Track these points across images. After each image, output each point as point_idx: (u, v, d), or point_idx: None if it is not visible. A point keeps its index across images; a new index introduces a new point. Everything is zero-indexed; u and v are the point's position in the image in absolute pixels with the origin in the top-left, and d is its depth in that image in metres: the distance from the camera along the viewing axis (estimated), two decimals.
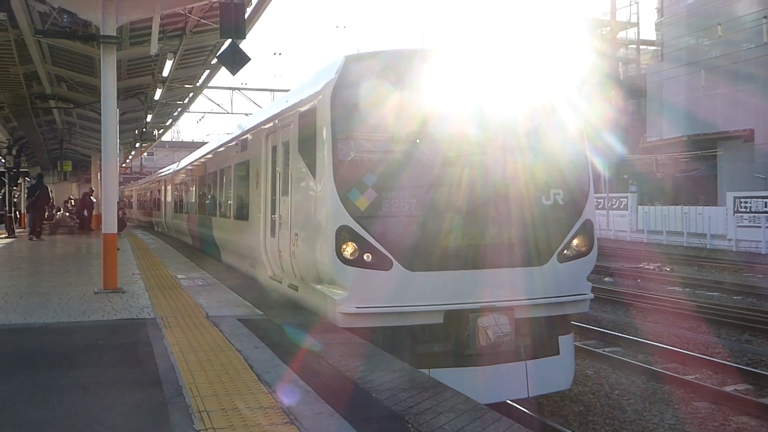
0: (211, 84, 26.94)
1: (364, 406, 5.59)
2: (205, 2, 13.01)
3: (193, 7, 13.84)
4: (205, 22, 15.14)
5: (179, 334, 8.41)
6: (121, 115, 17.21)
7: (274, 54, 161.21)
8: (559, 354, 9.24)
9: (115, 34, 12.06)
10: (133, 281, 13.62)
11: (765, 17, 40.52)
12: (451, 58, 9.54)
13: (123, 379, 6.45)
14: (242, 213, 14.29)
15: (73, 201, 39.81)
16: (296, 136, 9.98)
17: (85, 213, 33.46)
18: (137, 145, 40.22)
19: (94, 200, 32.70)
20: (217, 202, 17.96)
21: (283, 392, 5.97)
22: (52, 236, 30.44)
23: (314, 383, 6.21)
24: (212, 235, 18.64)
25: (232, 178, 15.91)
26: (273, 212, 11.31)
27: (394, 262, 8.33)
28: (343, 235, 8.30)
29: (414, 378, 6.39)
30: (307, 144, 9.42)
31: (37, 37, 14.36)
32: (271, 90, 45.68)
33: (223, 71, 21.46)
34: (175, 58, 17.82)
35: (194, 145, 47.01)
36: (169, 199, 30.53)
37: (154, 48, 14.32)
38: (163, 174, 34.76)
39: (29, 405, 5.70)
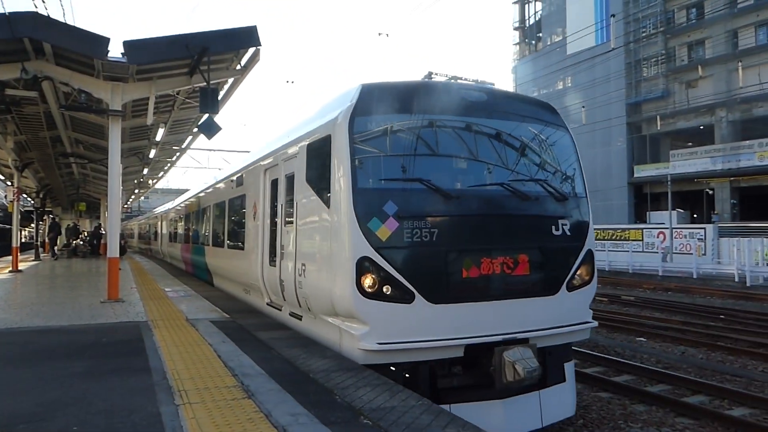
0: (193, 146, 26.52)
1: (303, 384, 5.53)
2: (189, 87, 12.91)
3: (179, 90, 13.72)
4: (189, 101, 14.97)
5: (165, 333, 8.17)
6: (123, 169, 16.87)
7: (243, 125, 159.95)
8: (565, 381, 7.33)
9: (120, 109, 11.98)
10: (130, 293, 13.19)
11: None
12: (465, 90, 7.46)
13: (121, 368, 6.21)
14: (237, 243, 11.69)
15: (86, 233, 38.66)
16: (303, 167, 7.69)
17: (95, 242, 32.80)
18: (136, 191, 39.38)
19: (103, 232, 31.82)
20: (212, 233, 15.21)
21: (243, 375, 5.86)
22: (70, 259, 29.28)
23: (267, 368, 6.12)
24: (205, 262, 15.94)
25: (226, 211, 13.25)
26: (272, 242, 8.98)
27: (417, 294, 6.24)
28: (364, 266, 6.20)
29: (341, 363, 6.36)
30: (319, 173, 7.21)
31: (61, 110, 14.12)
32: (238, 151, 45.28)
33: (203, 136, 21.21)
34: (166, 126, 17.62)
35: (180, 191, 46.07)
36: (164, 230, 27.86)
37: (150, 119, 14.12)
38: (160, 210, 33.00)
39: (48, 387, 5.46)
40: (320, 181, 7.14)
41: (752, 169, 39.27)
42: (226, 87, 14.09)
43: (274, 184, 9.15)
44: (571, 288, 7.10)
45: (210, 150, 44.78)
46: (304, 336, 7.40)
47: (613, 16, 33.17)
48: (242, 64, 12.79)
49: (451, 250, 6.48)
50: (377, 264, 6.20)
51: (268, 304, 9.55)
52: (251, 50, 12.13)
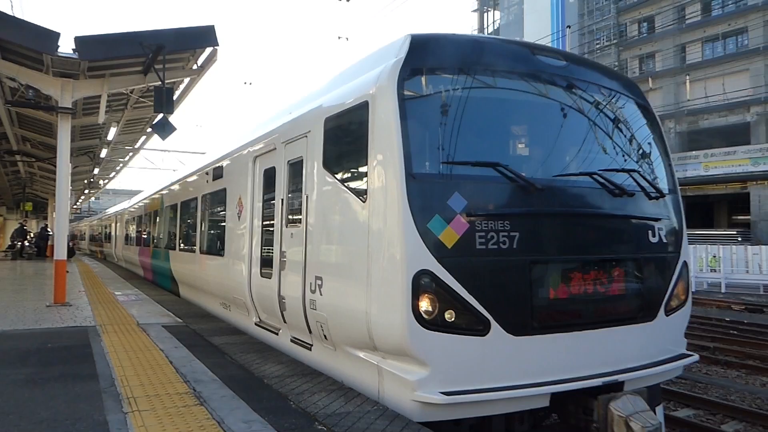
0: (147, 146, 25.96)
1: (257, 390, 5.43)
2: (143, 86, 12.63)
3: (133, 89, 13.41)
4: (143, 100, 14.66)
5: (114, 338, 7.93)
6: (73, 168, 16.38)
7: (197, 126, 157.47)
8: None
9: (70, 107, 11.64)
10: (78, 297, 12.77)
11: None
12: (544, 53, 5.60)
13: (66, 374, 5.98)
14: (214, 248, 9.95)
15: (32, 234, 37.35)
16: (318, 149, 5.92)
17: (41, 244, 31.81)
18: (86, 191, 38.35)
19: (50, 233, 30.80)
20: (178, 235, 13.10)
21: (195, 381, 5.72)
22: (14, 261, 28.21)
23: (220, 374, 5.99)
24: (168, 268, 13.92)
25: (198, 209, 11.26)
26: (266, 248, 7.35)
27: (493, 323, 4.55)
28: (423, 284, 4.45)
29: (296, 368, 6.27)
30: (346, 156, 5.60)
31: (7, 106, 13.64)
32: (193, 152, 44.53)
33: (157, 136, 20.77)
34: (118, 126, 17.27)
35: (133, 192, 44.95)
36: (119, 232, 25.50)
37: (101, 118, 13.83)
38: (115, 210, 30.90)
39: None
40: (348, 165, 5.55)
41: (698, 178, 40.76)
42: (181, 87, 13.88)
43: (269, 174, 7.41)
44: (668, 311, 5.53)
45: (164, 151, 44.09)
46: (313, 370, 6.10)
47: (569, 27, 33.99)
48: (199, 64, 12.61)
49: (537, 260, 4.82)
50: (441, 281, 4.49)
51: (257, 324, 7.85)
52: (208, 50, 11.97)
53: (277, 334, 7.24)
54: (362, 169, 5.13)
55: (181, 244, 12.80)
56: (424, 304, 4.49)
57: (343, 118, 5.65)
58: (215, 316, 10.09)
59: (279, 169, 7.08)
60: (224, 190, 9.35)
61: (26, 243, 33.30)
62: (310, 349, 6.33)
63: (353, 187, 5.31)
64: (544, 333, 4.77)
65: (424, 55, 5.06)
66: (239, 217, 8.40)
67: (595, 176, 5.26)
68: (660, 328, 5.44)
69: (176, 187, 14.08)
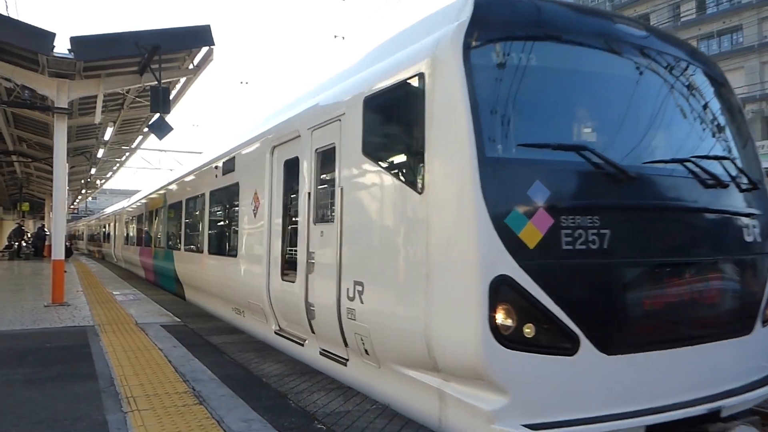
0: (143, 146, 25.91)
1: (256, 389, 5.44)
2: (139, 86, 12.61)
3: (129, 89, 13.38)
4: (139, 99, 14.63)
5: (113, 338, 7.92)
6: (70, 168, 16.35)
7: (193, 125, 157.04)
8: None
9: (66, 107, 11.62)
10: (76, 297, 12.74)
11: None
12: (625, 23, 4.82)
13: (65, 374, 5.97)
14: (225, 248, 9.29)
15: (29, 234, 37.28)
16: (356, 133, 5.14)
17: (39, 244, 31.82)
18: (83, 191, 38.27)
19: (48, 233, 30.75)
20: (185, 234, 12.25)
21: (195, 380, 5.72)
22: (12, 261, 28.14)
23: (219, 373, 6.00)
24: (172, 270, 13.09)
25: (206, 206, 10.49)
26: (288, 248, 6.70)
27: (583, 339, 3.77)
28: (502, 293, 3.68)
29: (295, 367, 6.28)
30: (393, 139, 4.81)
31: (3, 107, 13.60)
32: (191, 152, 44.36)
33: (154, 136, 20.74)
34: (114, 126, 17.24)
35: (130, 192, 44.80)
36: (119, 231, 24.57)
37: (97, 118, 13.79)
38: (114, 209, 30.06)
39: None
40: (396, 151, 4.77)
41: None
42: (178, 86, 13.85)
43: (291, 165, 6.70)
44: (765, 321, 4.68)
45: (161, 151, 43.84)
46: (348, 387, 5.47)
47: None
48: (195, 64, 12.59)
49: (631, 263, 4.03)
50: (523, 289, 3.70)
51: (277, 332, 7.16)
52: (204, 50, 11.95)
53: (302, 345, 6.45)
54: (415, 156, 4.33)
55: (187, 244, 11.99)
56: (503, 317, 3.69)
57: (388, 96, 4.81)
58: (226, 321, 9.41)
59: (304, 158, 6.32)
60: (237, 184, 8.62)
61: (23, 243, 33.24)
62: (346, 365, 5.54)
63: (404, 176, 4.47)
64: (638, 351, 3.94)
65: (492, 17, 4.21)
66: (255, 213, 7.69)
67: (688, 164, 4.44)
68: (757, 341, 4.58)
69: (181, 183, 13.25)
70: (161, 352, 7.05)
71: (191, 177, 12.25)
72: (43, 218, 39.01)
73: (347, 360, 5.55)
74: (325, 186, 5.92)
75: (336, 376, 5.75)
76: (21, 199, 33.32)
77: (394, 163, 4.74)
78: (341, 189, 5.35)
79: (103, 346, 7.39)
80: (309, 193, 6.14)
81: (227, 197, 9.29)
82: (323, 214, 5.90)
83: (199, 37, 11.22)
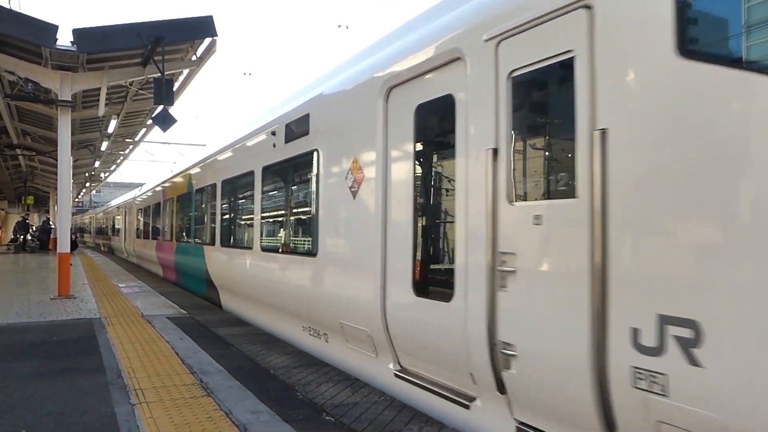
0: (147, 139, 25.88)
1: (264, 380, 5.42)
2: (143, 78, 12.55)
3: (132, 81, 13.33)
4: (142, 92, 14.57)
5: (120, 330, 7.91)
6: (74, 161, 16.33)
7: (196, 117, 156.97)
8: None
9: (70, 100, 11.57)
10: (82, 289, 12.77)
11: None
12: None
13: (72, 367, 5.96)
14: (290, 243, 7.22)
15: (34, 228, 37.39)
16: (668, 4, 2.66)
17: (44, 237, 31.76)
18: (87, 184, 38.30)
19: (53, 226, 30.83)
20: (220, 224, 10.05)
21: (202, 372, 5.70)
22: (17, 254, 28.27)
23: (226, 365, 5.98)
24: (203, 270, 11.04)
25: (255, 188, 8.18)
26: (432, 246, 4.65)
27: None
28: None
29: (302, 359, 6.25)
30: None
31: (6, 100, 13.57)
32: (195, 145, 44.28)
33: (157, 128, 20.70)
34: (118, 118, 17.16)
35: (135, 185, 44.75)
36: (131, 223, 22.20)
37: (101, 111, 13.75)
38: (125, 199, 27.01)
39: None
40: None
41: None
42: (181, 78, 13.79)
43: (435, 111, 4.50)
44: None
45: (165, 143, 43.81)
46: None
47: None
48: (198, 55, 12.52)
49: None
50: None
51: (399, 375, 4.91)
52: (207, 41, 11.88)
53: (467, 407, 4.09)
54: None
55: (226, 238, 9.78)
56: None
57: None
58: (290, 342, 7.14)
59: (476, 93, 3.90)
60: (312, 153, 6.39)
61: (29, 236, 33.34)
62: None
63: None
64: None
65: None
66: (354, 193, 5.45)
67: None
68: None
69: (213, 162, 10.91)
70: (168, 344, 7.04)
71: (228, 153, 9.84)
72: (47, 212, 39.11)
73: None
74: (545, 136, 3.66)
75: None
76: (26, 192, 33.43)
77: None
78: (604, 133, 2.93)
79: (109, 338, 7.38)
80: (495, 151, 3.69)
81: (295, 172, 7.17)
82: (538, 184, 3.57)
83: (202, 28, 11.15)
